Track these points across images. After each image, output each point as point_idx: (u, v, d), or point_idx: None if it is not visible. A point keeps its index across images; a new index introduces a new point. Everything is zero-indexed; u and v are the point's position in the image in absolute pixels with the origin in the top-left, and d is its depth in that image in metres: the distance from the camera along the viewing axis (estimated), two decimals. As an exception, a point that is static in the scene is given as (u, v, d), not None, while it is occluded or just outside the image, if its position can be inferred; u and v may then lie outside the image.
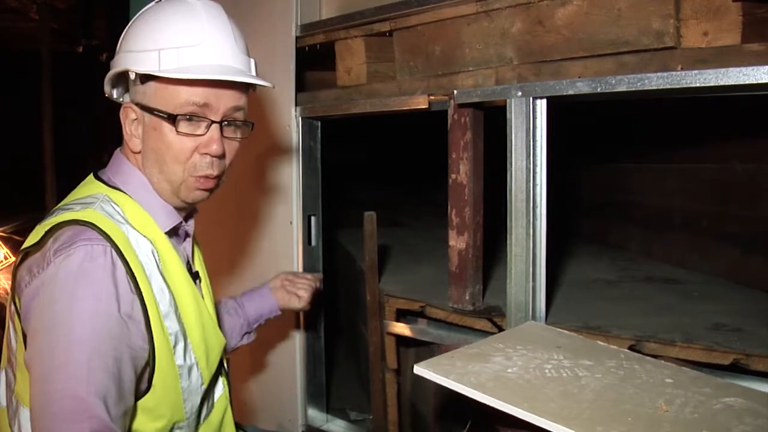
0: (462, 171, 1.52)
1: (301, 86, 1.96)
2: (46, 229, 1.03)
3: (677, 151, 2.16)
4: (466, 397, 1.01)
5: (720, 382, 1.08)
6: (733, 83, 1.09)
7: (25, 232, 1.08)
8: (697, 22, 1.19)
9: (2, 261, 4.72)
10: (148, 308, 1.04)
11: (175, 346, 1.10)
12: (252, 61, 1.20)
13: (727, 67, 1.10)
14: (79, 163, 5.20)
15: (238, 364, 1.88)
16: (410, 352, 1.86)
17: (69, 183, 1.25)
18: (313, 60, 1.97)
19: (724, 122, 1.87)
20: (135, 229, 1.09)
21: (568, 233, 2.57)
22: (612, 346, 1.24)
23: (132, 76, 1.10)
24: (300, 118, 1.93)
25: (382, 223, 1.72)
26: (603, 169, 2.62)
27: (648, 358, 1.19)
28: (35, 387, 0.96)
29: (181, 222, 1.20)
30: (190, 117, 1.10)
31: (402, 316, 1.73)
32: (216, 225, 1.99)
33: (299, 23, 1.91)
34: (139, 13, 1.17)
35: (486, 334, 1.47)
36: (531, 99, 1.33)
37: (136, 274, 1.03)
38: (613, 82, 1.21)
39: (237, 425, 1.36)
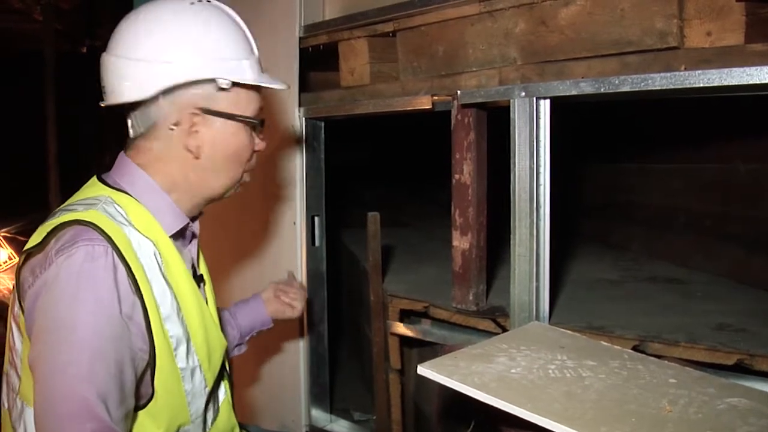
0: (465, 171, 1.52)
1: (304, 87, 1.96)
2: (49, 229, 1.03)
3: (680, 151, 2.16)
4: (470, 398, 1.01)
5: (724, 382, 1.08)
6: (736, 83, 1.09)
7: (29, 233, 1.08)
8: (700, 22, 1.19)
9: (6, 261, 4.73)
10: (149, 310, 1.04)
11: (176, 349, 1.10)
12: None
13: (731, 67, 1.10)
14: (82, 163, 5.21)
15: (241, 365, 1.89)
16: (414, 353, 1.86)
17: (72, 184, 1.25)
18: (317, 61, 1.98)
19: (727, 122, 1.86)
20: (138, 230, 1.09)
21: (570, 233, 2.56)
22: (615, 347, 1.24)
23: (224, 84, 1.11)
24: (304, 119, 1.93)
25: (385, 224, 1.72)
26: (605, 169, 2.62)
27: (651, 358, 1.19)
28: (38, 388, 0.96)
29: (188, 223, 1.21)
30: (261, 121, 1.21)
31: (405, 316, 1.74)
32: (219, 226, 1.99)
33: (302, 24, 1.91)
34: (166, 21, 1.10)
35: (489, 334, 1.47)
36: (534, 99, 1.33)
37: (136, 276, 1.03)
38: (617, 82, 1.21)
39: (240, 425, 1.36)
